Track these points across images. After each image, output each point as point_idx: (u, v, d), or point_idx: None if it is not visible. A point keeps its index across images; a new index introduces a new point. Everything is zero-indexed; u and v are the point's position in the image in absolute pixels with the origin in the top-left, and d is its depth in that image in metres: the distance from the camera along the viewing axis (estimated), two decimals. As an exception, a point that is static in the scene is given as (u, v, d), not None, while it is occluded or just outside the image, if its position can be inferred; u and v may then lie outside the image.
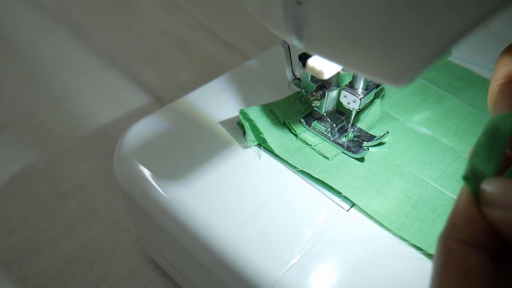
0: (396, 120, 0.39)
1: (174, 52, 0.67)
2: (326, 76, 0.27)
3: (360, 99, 0.33)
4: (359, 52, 0.22)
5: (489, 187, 0.19)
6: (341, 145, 0.36)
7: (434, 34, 0.20)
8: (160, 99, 0.59)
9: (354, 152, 0.35)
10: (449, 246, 0.19)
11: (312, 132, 0.37)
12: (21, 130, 0.54)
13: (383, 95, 0.40)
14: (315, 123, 0.37)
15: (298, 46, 0.25)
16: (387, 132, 0.35)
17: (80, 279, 0.41)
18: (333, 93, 0.35)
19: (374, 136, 0.36)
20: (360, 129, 0.37)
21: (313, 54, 0.27)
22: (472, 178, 0.20)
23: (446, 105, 0.40)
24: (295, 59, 0.35)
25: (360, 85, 0.33)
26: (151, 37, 0.69)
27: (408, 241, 0.30)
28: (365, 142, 0.36)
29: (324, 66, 0.27)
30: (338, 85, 0.35)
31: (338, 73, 0.34)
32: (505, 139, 0.22)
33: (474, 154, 0.21)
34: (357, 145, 0.36)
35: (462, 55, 0.46)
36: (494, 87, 0.27)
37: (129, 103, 0.59)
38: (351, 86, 0.34)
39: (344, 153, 0.36)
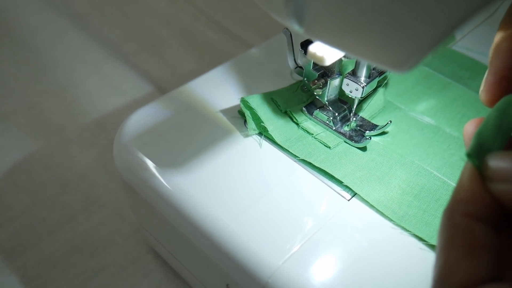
0: (400, 110, 0.38)
1: (176, 41, 0.67)
2: (328, 62, 0.27)
3: (363, 88, 0.33)
4: (360, 37, 0.21)
5: (493, 161, 0.19)
6: (343, 134, 0.35)
7: (437, 18, 0.19)
8: (162, 89, 0.59)
9: (356, 141, 0.35)
10: (454, 220, 0.19)
11: (313, 121, 0.36)
12: (23, 119, 0.54)
13: (386, 84, 0.39)
14: (317, 112, 0.36)
15: (299, 31, 0.24)
16: (390, 121, 0.35)
17: (80, 267, 0.41)
18: (335, 82, 0.35)
19: (376, 126, 0.36)
20: (363, 118, 0.37)
21: (314, 40, 0.26)
22: (477, 154, 0.20)
23: (451, 93, 0.40)
24: (297, 47, 0.35)
25: (363, 73, 0.33)
26: (153, 26, 0.69)
27: (410, 231, 0.30)
28: (367, 131, 0.35)
29: (325, 53, 0.26)
30: (340, 73, 0.35)
31: (341, 61, 0.34)
32: None
33: (482, 129, 0.21)
34: (360, 134, 0.35)
35: (468, 44, 0.46)
36: (497, 38, 0.26)
37: (131, 92, 0.58)
38: (354, 74, 0.33)
39: (346, 142, 0.35)
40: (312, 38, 0.25)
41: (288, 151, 0.34)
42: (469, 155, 0.20)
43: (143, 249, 0.43)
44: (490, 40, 0.47)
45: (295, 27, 0.24)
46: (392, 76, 0.40)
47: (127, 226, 0.44)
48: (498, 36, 0.26)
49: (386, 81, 0.39)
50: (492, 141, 0.21)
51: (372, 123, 0.36)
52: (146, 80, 0.60)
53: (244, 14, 0.71)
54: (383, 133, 0.36)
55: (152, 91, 0.59)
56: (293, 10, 0.23)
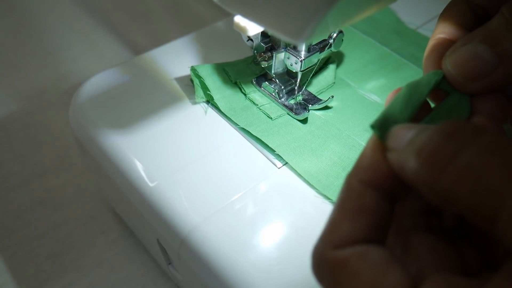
0: (349, 87, 0.39)
1: (165, 13, 0.68)
2: (250, 32, 0.28)
3: (301, 61, 0.34)
4: (261, 6, 0.23)
5: (391, 131, 0.20)
6: (287, 107, 0.37)
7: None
8: (144, 58, 0.61)
9: (297, 114, 0.36)
10: (349, 184, 0.20)
11: (261, 93, 0.38)
12: (7, 80, 0.57)
13: (338, 61, 0.40)
14: (265, 84, 0.38)
15: (215, 1, 0.25)
16: (332, 96, 0.36)
17: (43, 220, 0.44)
18: (281, 55, 0.36)
19: (321, 100, 0.37)
20: (309, 92, 0.38)
21: (228, 9, 0.27)
22: (382, 126, 0.21)
23: (404, 73, 0.40)
24: (248, 19, 0.36)
25: (303, 47, 0.34)
26: (144, -3, 0.70)
27: (332, 200, 0.31)
28: (310, 105, 0.36)
29: (248, 23, 0.27)
30: (286, 47, 0.36)
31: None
32: (425, 90, 0.23)
33: (391, 103, 0.22)
34: (303, 107, 0.37)
35: (433, 26, 0.46)
36: (429, 42, 0.27)
37: (115, 61, 0.60)
38: (295, 48, 0.34)
39: (289, 115, 0.36)
40: (226, 8, 0.26)
41: (232, 119, 0.36)
42: (372, 126, 0.21)
43: (104, 207, 0.45)
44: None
45: (213, -3, 0.25)
46: (347, 53, 0.41)
47: (91, 186, 0.47)
48: (429, 43, 0.27)
49: (336, 57, 0.39)
50: (399, 115, 0.22)
51: (318, 98, 0.37)
52: (130, 50, 0.62)
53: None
54: (327, 107, 0.37)
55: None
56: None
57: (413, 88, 0.23)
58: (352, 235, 0.19)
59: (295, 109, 0.36)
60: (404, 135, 0.19)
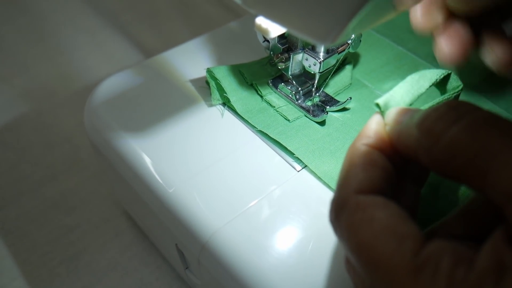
0: (366, 88, 0.39)
1: (173, 13, 0.68)
2: (273, 34, 0.27)
3: (320, 63, 0.33)
4: (287, 8, 0.22)
5: (390, 111, 0.24)
6: (305, 109, 0.36)
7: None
8: (153, 59, 0.60)
9: (315, 116, 0.35)
10: (356, 147, 0.23)
11: (278, 95, 0.37)
12: (18, 81, 0.57)
13: (355, 61, 0.39)
14: (281, 86, 0.37)
15: (238, 2, 0.25)
16: (350, 97, 0.36)
17: (56, 223, 0.43)
18: (298, 56, 0.35)
19: (339, 102, 0.36)
20: (327, 94, 0.37)
21: (252, 11, 0.27)
22: (384, 105, 0.25)
23: (421, 74, 0.40)
24: (265, 20, 0.35)
25: (322, 48, 0.33)
26: (152, -3, 0.70)
27: (353, 204, 0.31)
28: (328, 107, 0.36)
29: (270, 25, 0.27)
30: (303, 48, 0.35)
31: (303, 35, 0.34)
32: (426, 84, 0.27)
33: (396, 88, 0.26)
34: (320, 109, 0.36)
35: (448, 26, 0.45)
36: None
37: (124, 61, 0.60)
38: (313, 49, 0.34)
39: (307, 117, 0.36)
40: (250, 10, 0.25)
41: (249, 122, 0.35)
42: (377, 104, 0.24)
43: (117, 210, 0.45)
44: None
45: (236, -1, 0.25)
46: (363, 54, 0.41)
47: (104, 188, 0.46)
48: None
49: (346, 57, 0.39)
50: (400, 99, 0.26)
51: (335, 99, 0.37)
52: (139, 50, 0.62)
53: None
54: (345, 109, 0.37)
55: (144, 60, 0.60)
56: (230, -20, 0.24)
57: (415, 80, 0.27)
58: (369, 183, 0.21)
59: (313, 111, 0.36)
60: (400, 116, 0.23)
